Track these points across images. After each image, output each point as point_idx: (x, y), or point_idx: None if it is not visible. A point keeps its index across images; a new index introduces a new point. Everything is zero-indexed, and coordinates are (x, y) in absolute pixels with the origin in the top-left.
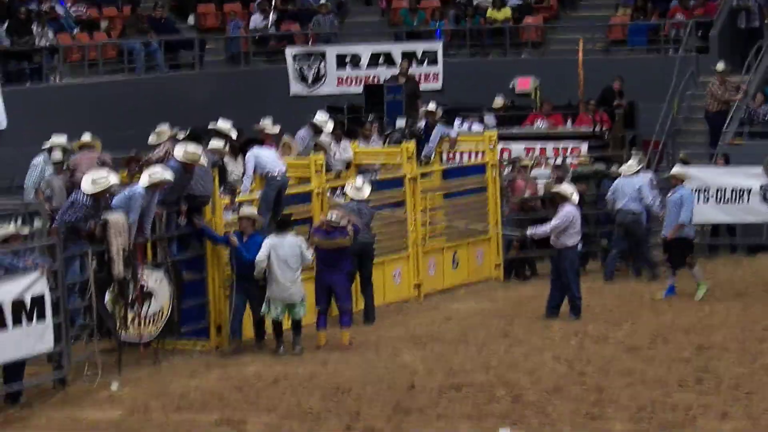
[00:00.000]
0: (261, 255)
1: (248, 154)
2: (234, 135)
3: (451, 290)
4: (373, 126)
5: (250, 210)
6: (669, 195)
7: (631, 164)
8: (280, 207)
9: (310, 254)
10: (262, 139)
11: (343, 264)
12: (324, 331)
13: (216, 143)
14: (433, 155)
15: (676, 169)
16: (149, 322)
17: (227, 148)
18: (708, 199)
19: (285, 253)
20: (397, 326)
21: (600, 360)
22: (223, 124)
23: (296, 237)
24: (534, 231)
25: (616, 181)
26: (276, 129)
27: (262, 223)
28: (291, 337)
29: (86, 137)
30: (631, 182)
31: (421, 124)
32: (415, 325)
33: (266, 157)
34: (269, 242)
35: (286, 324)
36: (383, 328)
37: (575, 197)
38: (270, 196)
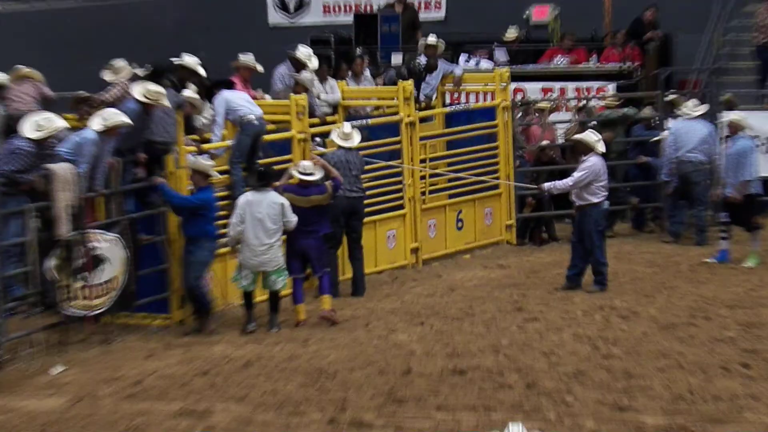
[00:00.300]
0: (234, 217)
1: (217, 98)
2: (202, 72)
3: (454, 255)
4: (365, 62)
5: (202, 162)
6: (726, 146)
7: (694, 106)
8: (255, 156)
9: (293, 217)
10: (229, 81)
11: (320, 226)
12: (303, 305)
13: (191, 93)
14: (434, 96)
15: (736, 115)
16: (100, 292)
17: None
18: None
19: (262, 213)
20: (390, 298)
21: (629, 339)
22: (190, 59)
23: (275, 193)
24: (552, 186)
25: (675, 125)
26: (260, 67)
27: (220, 178)
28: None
29: (24, 68)
30: (694, 127)
31: (421, 59)
32: (412, 297)
33: (239, 99)
34: (244, 199)
35: (259, 295)
36: (374, 301)
37: (601, 146)
38: (245, 143)
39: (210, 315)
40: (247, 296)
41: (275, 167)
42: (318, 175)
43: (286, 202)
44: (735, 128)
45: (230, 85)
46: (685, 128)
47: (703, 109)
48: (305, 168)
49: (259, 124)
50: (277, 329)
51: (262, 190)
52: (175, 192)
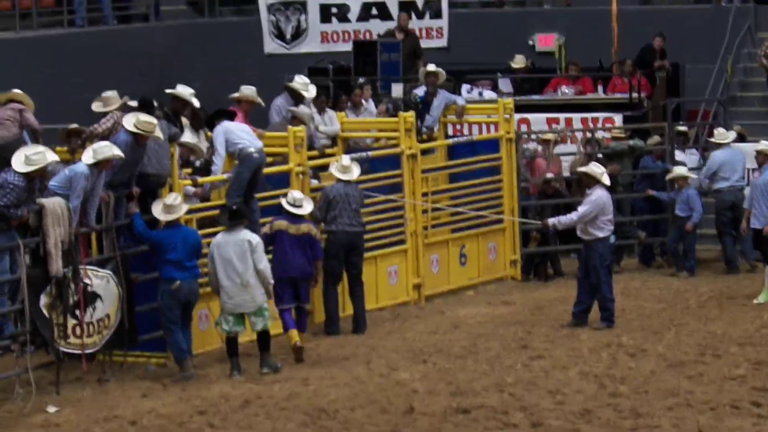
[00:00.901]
0: (210, 262)
1: (216, 129)
2: (196, 103)
3: (458, 292)
4: (365, 91)
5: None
6: (755, 176)
7: (724, 132)
8: (254, 190)
9: (263, 257)
10: (231, 111)
11: (310, 254)
12: (295, 331)
13: (190, 138)
14: (436, 128)
15: (764, 145)
16: (94, 330)
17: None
18: None
19: (229, 252)
20: (392, 336)
21: (637, 378)
22: (183, 90)
23: (248, 232)
24: (557, 220)
25: (716, 154)
26: (259, 99)
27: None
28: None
29: (16, 90)
30: (736, 155)
31: (418, 91)
32: (415, 334)
33: (239, 131)
34: (215, 240)
35: (246, 336)
36: (376, 338)
37: (606, 179)
38: (243, 177)
39: (184, 362)
40: (230, 342)
41: (272, 201)
42: (308, 209)
43: (256, 240)
44: (764, 158)
45: (232, 116)
46: (729, 156)
47: (734, 134)
48: (294, 200)
49: (259, 157)
50: (270, 370)
51: (232, 229)
52: (141, 223)
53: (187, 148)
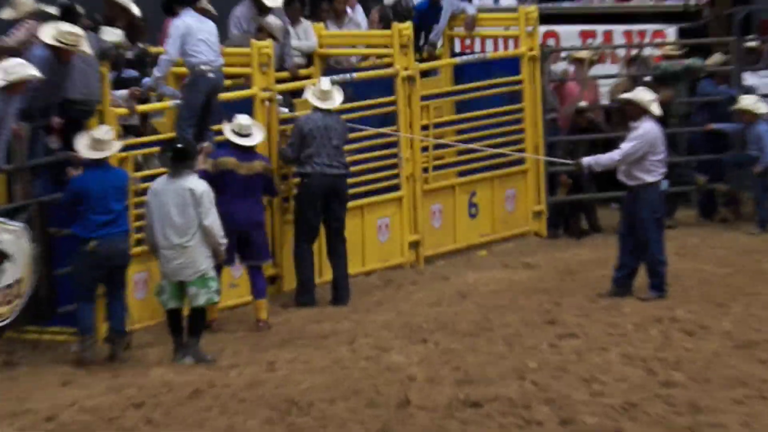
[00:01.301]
0: (147, 213)
1: (176, 22)
2: (135, 10)
3: (466, 251)
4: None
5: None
6: None
7: None
8: (208, 120)
9: (212, 210)
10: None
11: (262, 197)
12: (264, 300)
13: (112, 33)
14: (440, 43)
15: None
16: (1, 299)
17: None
18: None
19: (168, 204)
20: (383, 308)
21: (695, 362)
22: None
23: (193, 178)
24: (594, 160)
25: None
26: (211, 8)
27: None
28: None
29: None
30: None
31: None
32: (412, 306)
33: (203, 32)
34: (152, 187)
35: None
36: (362, 311)
37: (657, 108)
38: (196, 102)
39: (85, 339)
40: (171, 315)
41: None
42: (258, 138)
43: (201, 188)
44: None
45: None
46: None
47: None
48: (242, 127)
49: (216, 77)
50: (193, 361)
51: (176, 174)
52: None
53: (130, 52)
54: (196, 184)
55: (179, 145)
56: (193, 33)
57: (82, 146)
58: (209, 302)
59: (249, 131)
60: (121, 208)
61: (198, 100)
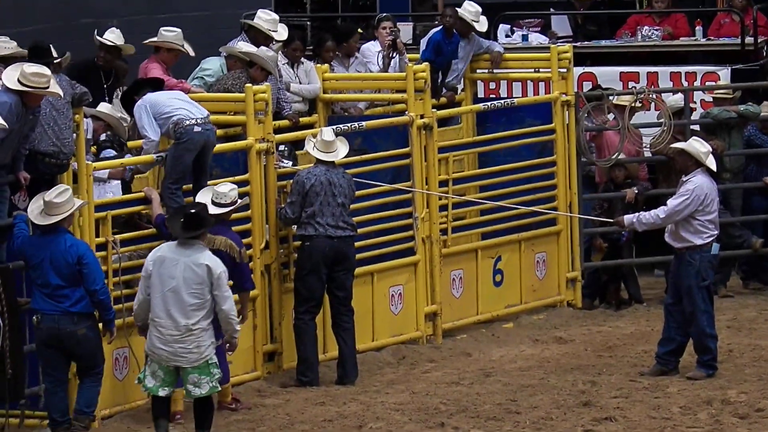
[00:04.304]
0: (141, 283)
1: (137, 108)
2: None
3: (491, 324)
4: (357, 35)
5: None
6: None
7: None
8: (201, 180)
9: (227, 293)
10: (157, 79)
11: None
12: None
13: (105, 107)
14: (461, 87)
15: None
16: None
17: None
18: None
19: (177, 278)
20: (395, 388)
21: None
22: (111, 36)
23: (208, 253)
24: (636, 219)
25: None
26: (189, 48)
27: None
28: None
29: None
30: None
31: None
32: (428, 385)
33: (170, 99)
34: (154, 255)
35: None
36: (372, 391)
37: (712, 162)
38: (185, 161)
39: (80, 423)
40: (157, 403)
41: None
42: (235, 204)
43: (219, 269)
44: None
45: (158, 85)
46: None
47: None
48: (219, 195)
49: (204, 131)
50: None
51: (187, 244)
52: (19, 233)
53: (102, 122)
54: (212, 261)
55: (193, 211)
56: (159, 100)
57: (33, 211)
58: (212, 391)
59: (227, 200)
60: (64, 285)
61: (187, 159)
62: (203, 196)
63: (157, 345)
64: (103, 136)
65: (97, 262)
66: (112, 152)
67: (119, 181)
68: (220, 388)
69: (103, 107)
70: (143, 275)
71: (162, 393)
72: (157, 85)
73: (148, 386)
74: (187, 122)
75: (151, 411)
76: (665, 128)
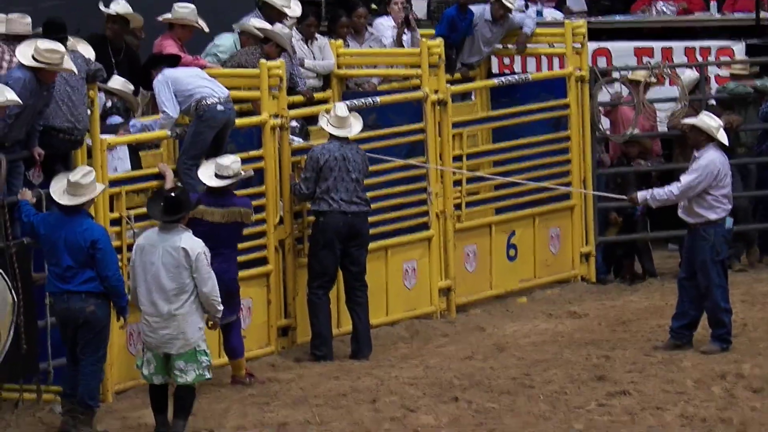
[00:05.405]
0: (131, 270)
1: (156, 82)
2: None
3: (504, 298)
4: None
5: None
6: None
7: None
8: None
9: (209, 275)
10: (173, 56)
11: (235, 249)
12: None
13: (118, 81)
14: (479, 62)
15: None
16: None
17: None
18: None
19: (156, 264)
20: (409, 362)
21: (765, 423)
22: (120, 6)
23: (188, 235)
24: (651, 194)
25: None
26: (203, 24)
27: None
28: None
29: None
30: None
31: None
32: (442, 360)
33: (191, 77)
34: (139, 241)
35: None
36: (386, 366)
37: (724, 136)
38: (205, 138)
39: (83, 415)
40: (155, 392)
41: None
42: (238, 176)
43: (197, 249)
44: None
45: (174, 61)
46: None
47: None
48: (222, 168)
49: (226, 110)
50: None
51: (167, 228)
52: (30, 211)
53: (114, 97)
54: (191, 243)
55: (172, 195)
56: (181, 77)
57: (57, 190)
58: (199, 379)
59: (229, 173)
60: (75, 266)
61: (207, 136)
62: (206, 169)
63: (146, 332)
64: (108, 103)
65: (112, 248)
66: (118, 119)
67: (127, 156)
68: (208, 376)
69: (116, 82)
70: (130, 265)
71: (156, 381)
72: (174, 61)
73: (144, 374)
74: (210, 101)
75: (150, 403)
76: (683, 104)
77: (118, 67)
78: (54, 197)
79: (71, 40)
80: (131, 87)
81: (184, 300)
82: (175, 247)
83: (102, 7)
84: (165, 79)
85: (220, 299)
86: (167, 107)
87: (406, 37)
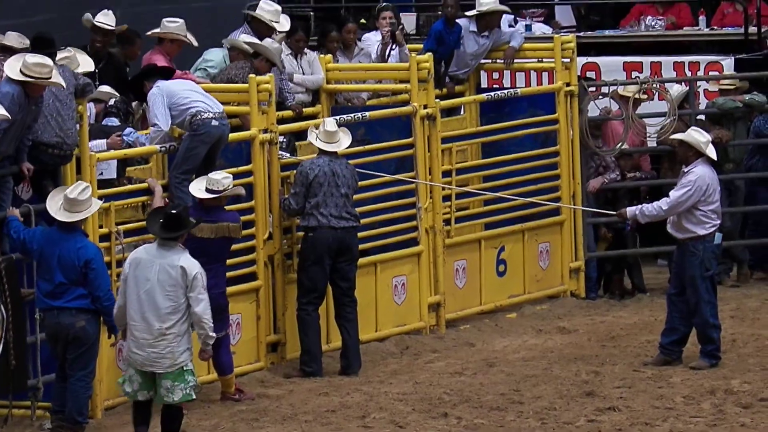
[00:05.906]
0: (121, 284)
1: (151, 94)
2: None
3: (494, 314)
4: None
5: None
6: None
7: None
8: (212, 171)
9: (203, 295)
10: (167, 68)
11: (223, 266)
12: (230, 376)
13: (106, 89)
14: (467, 74)
15: None
16: None
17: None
18: None
19: (152, 281)
20: (399, 378)
21: None
22: (105, 18)
23: (186, 255)
24: (640, 210)
25: None
26: (192, 39)
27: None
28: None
29: None
30: None
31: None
32: (431, 376)
33: (186, 90)
34: (131, 257)
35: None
36: (375, 382)
37: (712, 151)
38: (197, 153)
39: (75, 430)
40: (138, 408)
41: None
42: (231, 192)
43: (194, 270)
44: None
45: (168, 74)
46: None
47: None
48: (213, 182)
49: (220, 125)
50: None
51: (165, 245)
52: (18, 227)
53: (103, 104)
54: (188, 262)
55: (173, 211)
56: (176, 91)
57: (54, 206)
58: (185, 399)
59: (219, 187)
60: (68, 283)
61: (201, 152)
62: (198, 184)
63: (132, 349)
64: (111, 101)
65: (105, 268)
66: (115, 120)
67: (115, 161)
68: (194, 397)
69: (104, 88)
70: (122, 278)
71: (141, 397)
72: (168, 73)
73: (126, 391)
74: (206, 115)
75: (132, 418)
76: (671, 119)
77: (99, 78)
78: (51, 213)
79: (72, 52)
80: (117, 95)
81: (176, 320)
82: (173, 265)
83: (89, 19)
84: (160, 92)
85: (211, 322)
86: (159, 120)
87: (393, 53)
